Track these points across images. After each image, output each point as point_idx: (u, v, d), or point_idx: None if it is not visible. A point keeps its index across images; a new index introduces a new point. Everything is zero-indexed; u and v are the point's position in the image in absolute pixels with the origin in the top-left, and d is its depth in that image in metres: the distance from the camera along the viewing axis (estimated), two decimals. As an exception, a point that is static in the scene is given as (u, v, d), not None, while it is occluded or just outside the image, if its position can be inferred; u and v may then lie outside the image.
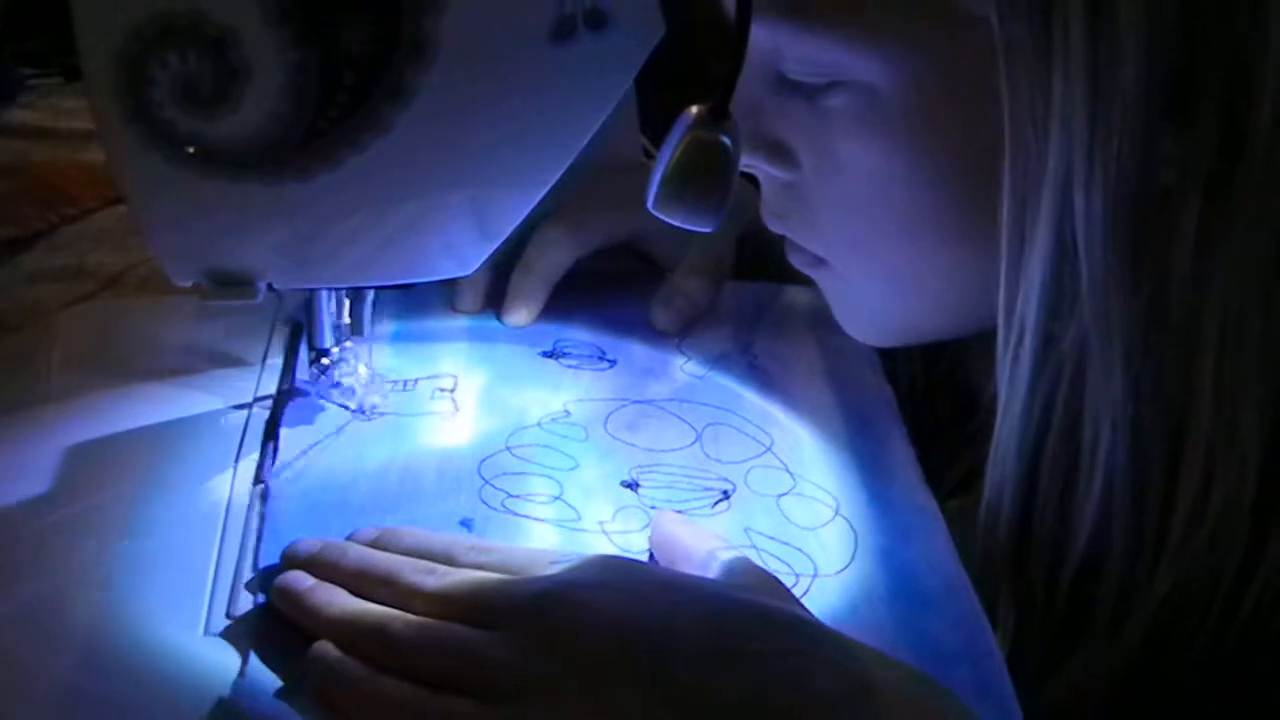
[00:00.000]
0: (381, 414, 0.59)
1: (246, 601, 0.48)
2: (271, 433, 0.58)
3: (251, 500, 0.54)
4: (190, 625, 0.47)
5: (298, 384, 0.61)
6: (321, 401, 0.59)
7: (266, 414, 0.59)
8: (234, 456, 0.56)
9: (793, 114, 0.55)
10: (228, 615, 0.48)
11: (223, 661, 0.46)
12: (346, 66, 0.45)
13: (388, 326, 0.67)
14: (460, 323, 0.68)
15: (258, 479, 0.55)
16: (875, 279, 0.58)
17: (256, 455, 0.56)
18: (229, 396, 0.60)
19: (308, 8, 0.44)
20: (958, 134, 0.52)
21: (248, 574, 0.50)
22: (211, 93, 0.45)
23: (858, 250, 0.58)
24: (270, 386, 0.61)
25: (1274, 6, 0.45)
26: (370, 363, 0.60)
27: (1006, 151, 0.49)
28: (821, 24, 0.51)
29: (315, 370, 0.59)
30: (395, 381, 0.62)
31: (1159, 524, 0.51)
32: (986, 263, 0.51)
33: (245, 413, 0.59)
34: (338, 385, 0.59)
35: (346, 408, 0.59)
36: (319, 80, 0.45)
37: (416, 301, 0.68)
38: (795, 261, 0.61)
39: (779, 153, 0.56)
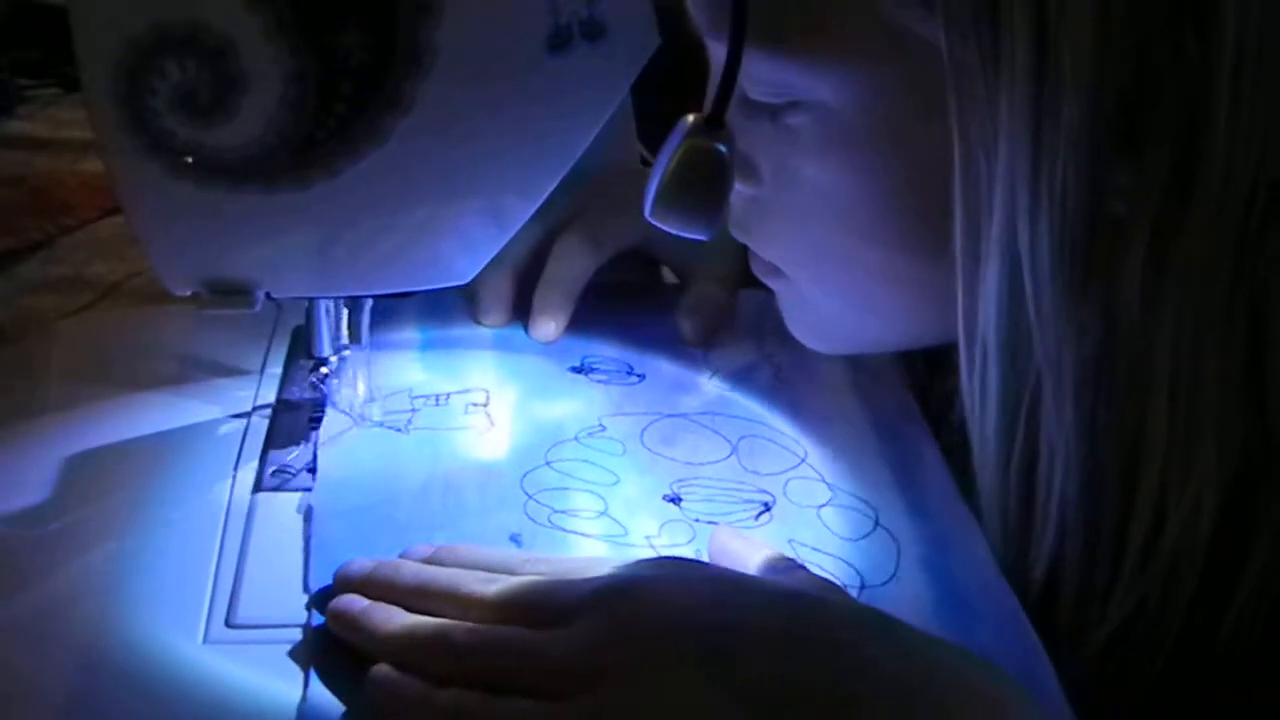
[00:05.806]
0: (416, 428, 0.59)
1: (246, 611, 0.48)
2: (272, 442, 0.58)
3: (250, 509, 0.53)
4: (189, 634, 0.47)
5: (292, 393, 0.61)
6: (320, 411, 0.59)
7: (265, 423, 0.59)
8: (233, 465, 0.56)
9: (756, 131, 0.55)
10: (227, 624, 0.48)
11: (222, 670, 0.46)
12: (344, 77, 0.46)
13: (413, 337, 0.67)
14: (484, 334, 0.68)
15: (257, 487, 0.55)
16: (828, 290, 0.59)
17: (255, 464, 0.56)
18: (228, 405, 0.60)
19: (306, 18, 0.45)
20: (912, 154, 0.52)
21: (244, 583, 0.49)
22: (210, 103, 0.46)
23: (813, 262, 0.58)
24: (269, 395, 0.61)
25: (1227, 39, 0.44)
26: (369, 372, 0.60)
27: (956, 175, 0.48)
28: (781, 48, 0.51)
29: (314, 379, 0.59)
30: (427, 396, 0.62)
31: (1112, 558, 0.50)
32: (939, 279, 0.51)
33: (244, 422, 0.59)
34: (336, 393, 0.59)
35: (348, 414, 0.59)
36: (317, 90, 0.45)
37: (439, 311, 0.68)
38: (755, 269, 0.62)
39: (743, 168, 0.56)
